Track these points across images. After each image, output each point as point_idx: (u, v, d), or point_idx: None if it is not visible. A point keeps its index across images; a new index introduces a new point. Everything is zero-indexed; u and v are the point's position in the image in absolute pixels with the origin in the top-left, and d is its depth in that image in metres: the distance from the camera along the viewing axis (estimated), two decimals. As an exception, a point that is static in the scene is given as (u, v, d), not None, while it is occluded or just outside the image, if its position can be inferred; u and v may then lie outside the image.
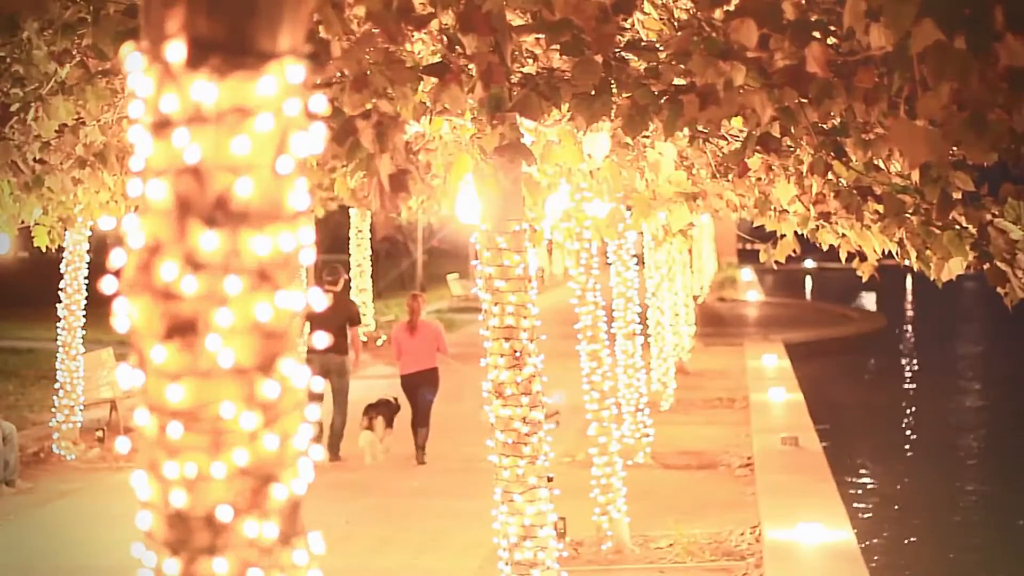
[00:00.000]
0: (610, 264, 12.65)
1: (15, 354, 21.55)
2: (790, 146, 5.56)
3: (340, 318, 13.10)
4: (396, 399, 13.33)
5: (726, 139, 6.50)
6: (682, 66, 4.35)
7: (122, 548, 3.30)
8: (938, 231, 5.53)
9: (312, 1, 2.44)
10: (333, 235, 32.92)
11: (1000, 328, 32.26)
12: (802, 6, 3.80)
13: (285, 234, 2.42)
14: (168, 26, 2.34)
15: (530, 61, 5.45)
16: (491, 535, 7.04)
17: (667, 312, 17.26)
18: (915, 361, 29.93)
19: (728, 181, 7.07)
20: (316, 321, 11.81)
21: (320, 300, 2.38)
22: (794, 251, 7.49)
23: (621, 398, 12.75)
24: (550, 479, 6.87)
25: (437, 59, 4.82)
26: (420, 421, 13.14)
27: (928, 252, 5.81)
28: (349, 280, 14.09)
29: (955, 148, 4.32)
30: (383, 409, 13.11)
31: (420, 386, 13.05)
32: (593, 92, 4.64)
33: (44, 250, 11.41)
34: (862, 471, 16.52)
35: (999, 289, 5.48)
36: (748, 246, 33.40)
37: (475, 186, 6.72)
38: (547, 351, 7.21)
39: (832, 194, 5.91)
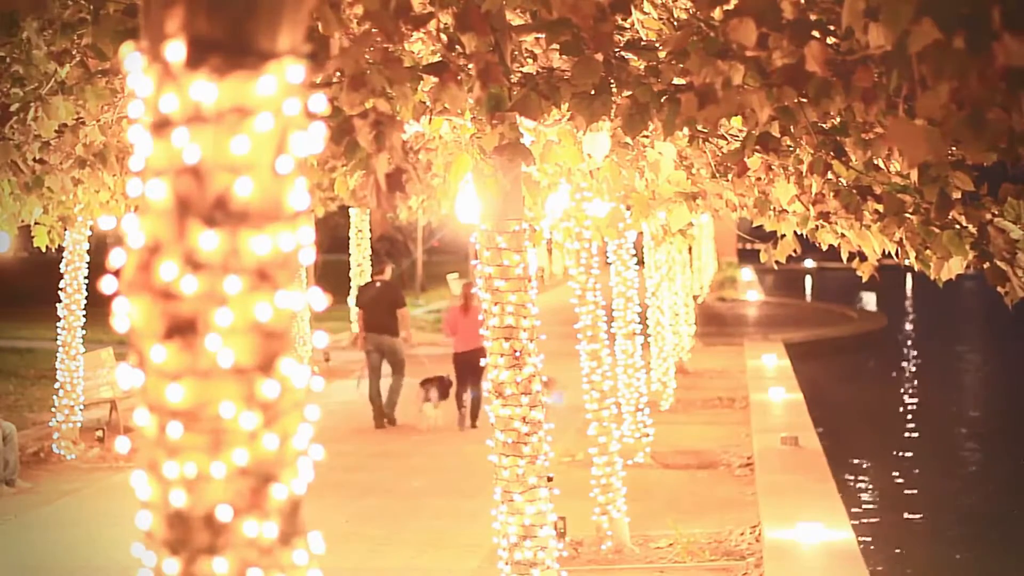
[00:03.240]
0: (610, 264, 12.65)
1: (15, 354, 21.55)
2: (789, 146, 5.56)
3: (389, 303, 15.00)
4: (448, 376, 14.91)
5: (725, 139, 6.50)
6: (680, 65, 4.35)
7: (122, 548, 3.30)
8: (938, 230, 5.52)
9: (311, 0, 2.44)
10: (333, 235, 32.91)
11: (1000, 327, 32.27)
12: (801, 5, 3.80)
13: (285, 234, 2.42)
14: (168, 26, 2.34)
15: (529, 61, 5.45)
16: (491, 535, 7.04)
17: (667, 312, 17.26)
18: (915, 361, 29.92)
19: (728, 181, 7.07)
20: (368, 306, 14.88)
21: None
22: (794, 251, 7.49)
23: (621, 398, 12.75)
24: (550, 479, 6.87)
25: (436, 58, 4.82)
26: (475, 395, 14.51)
27: (928, 252, 5.80)
28: (394, 268, 16.70)
29: (954, 148, 4.32)
30: (436, 383, 14.75)
31: (471, 363, 13.92)
32: (593, 91, 4.64)
33: (44, 250, 11.41)
34: (862, 471, 16.52)
35: (999, 288, 5.47)
36: (748, 246, 33.41)
37: (475, 186, 6.72)
38: (547, 351, 7.21)
39: (832, 194, 5.90)
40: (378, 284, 15.28)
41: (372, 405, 14.92)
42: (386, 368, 15.18)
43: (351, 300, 23.13)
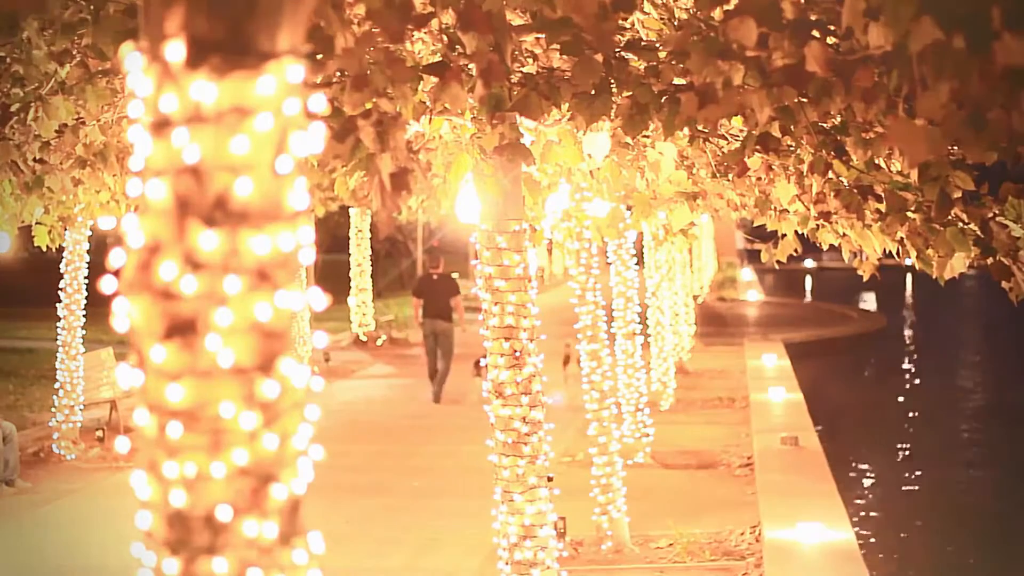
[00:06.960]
0: (610, 264, 12.64)
1: (15, 354, 21.54)
2: (790, 145, 5.56)
3: (445, 293, 17.02)
4: None
5: (726, 139, 6.50)
6: (681, 65, 4.34)
7: (122, 548, 3.30)
8: (940, 228, 5.52)
9: (311, 0, 2.44)
10: (333, 235, 32.90)
11: (1000, 326, 32.27)
12: (801, 5, 3.80)
13: (284, 234, 2.42)
14: (168, 26, 2.34)
15: (530, 61, 5.45)
16: (491, 535, 7.04)
17: (667, 312, 17.25)
18: (915, 360, 29.92)
19: (728, 181, 7.07)
20: (427, 296, 16.99)
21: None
22: (795, 250, 7.48)
23: (621, 398, 12.75)
24: (550, 479, 6.87)
25: (437, 58, 4.82)
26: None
27: (929, 251, 5.80)
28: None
29: (954, 147, 4.32)
30: None
31: None
32: (593, 91, 4.64)
33: (44, 250, 11.40)
34: (862, 471, 16.52)
35: (1003, 284, 5.47)
36: (747, 246, 33.40)
37: (475, 186, 6.72)
38: (547, 351, 7.21)
39: (832, 193, 5.90)
40: (435, 276, 17.26)
41: (432, 382, 17.06)
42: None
43: (351, 300, 23.60)
